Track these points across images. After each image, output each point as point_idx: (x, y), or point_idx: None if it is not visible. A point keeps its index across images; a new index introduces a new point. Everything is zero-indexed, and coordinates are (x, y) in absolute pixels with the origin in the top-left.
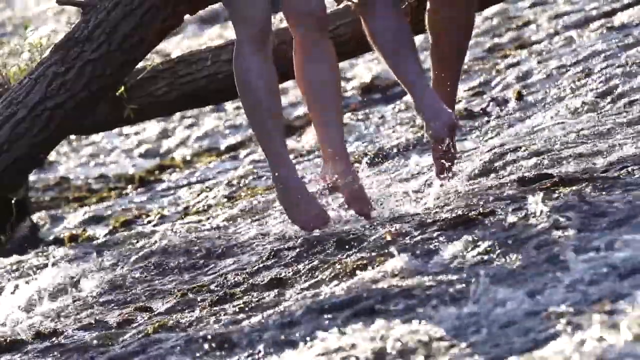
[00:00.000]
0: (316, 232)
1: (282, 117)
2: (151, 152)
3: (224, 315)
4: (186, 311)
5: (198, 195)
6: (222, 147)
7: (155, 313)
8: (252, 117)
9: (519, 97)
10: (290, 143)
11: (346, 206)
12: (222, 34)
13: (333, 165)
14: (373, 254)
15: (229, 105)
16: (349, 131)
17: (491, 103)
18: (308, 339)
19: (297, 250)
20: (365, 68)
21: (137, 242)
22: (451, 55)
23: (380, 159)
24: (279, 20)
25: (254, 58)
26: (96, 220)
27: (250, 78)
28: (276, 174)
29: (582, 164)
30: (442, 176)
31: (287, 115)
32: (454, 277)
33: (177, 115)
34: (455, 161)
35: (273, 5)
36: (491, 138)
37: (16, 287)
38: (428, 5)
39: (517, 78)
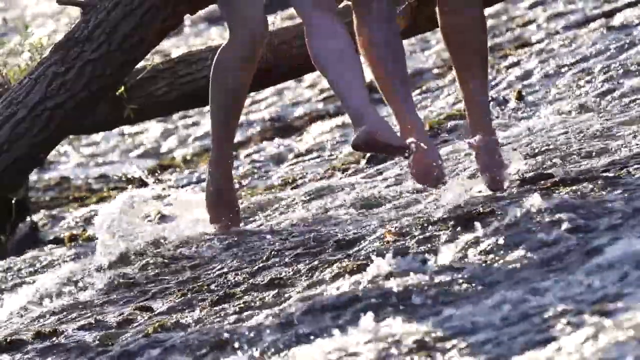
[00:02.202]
0: (316, 233)
1: (236, 123)
2: (151, 152)
3: (224, 315)
4: (186, 311)
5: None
6: None
7: (155, 313)
8: (217, 117)
9: (519, 97)
10: (291, 143)
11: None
12: (222, 34)
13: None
14: (373, 253)
15: None
16: (349, 131)
17: (491, 103)
18: (308, 339)
19: (297, 250)
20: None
21: (137, 242)
22: (474, 60)
23: (380, 159)
24: (279, 20)
25: (241, 61)
26: None
27: (234, 84)
28: (213, 176)
29: (582, 164)
30: (493, 187)
31: (287, 115)
32: (454, 277)
33: (177, 115)
34: (505, 169)
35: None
36: None
37: (16, 287)
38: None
39: (517, 78)
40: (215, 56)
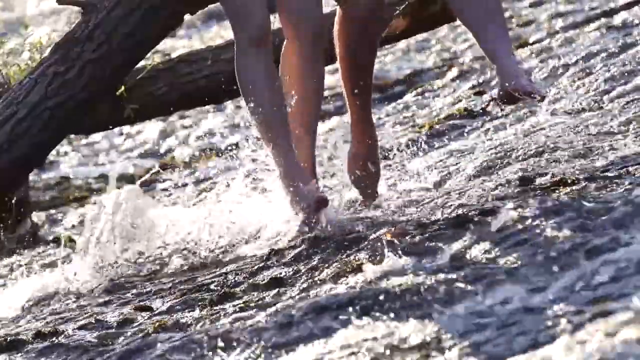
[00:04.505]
0: (316, 232)
1: (286, 114)
2: (151, 152)
3: (224, 315)
4: (186, 311)
5: (198, 195)
6: (222, 147)
7: (155, 313)
8: (256, 117)
9: None
10: None
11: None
12: (222, 34)
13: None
14: (373, 254)
15: (229, 105)
16: (348, 131)
17: (491, 102)
18: (308, 339)
19: (297, 250)
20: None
21: (137, 241)
22: (489, 10)
23: (379, 159)
24: (279, 20)
25: (256, 57)
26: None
27: (255, 78)
28: (281, 168)
29: (582, 164)
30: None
31: None
32: (454, 277)
33: (177, 115)
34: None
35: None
36: (491, 138)
37: (16, 287)
38: None
39: None
40: (235, 67)
